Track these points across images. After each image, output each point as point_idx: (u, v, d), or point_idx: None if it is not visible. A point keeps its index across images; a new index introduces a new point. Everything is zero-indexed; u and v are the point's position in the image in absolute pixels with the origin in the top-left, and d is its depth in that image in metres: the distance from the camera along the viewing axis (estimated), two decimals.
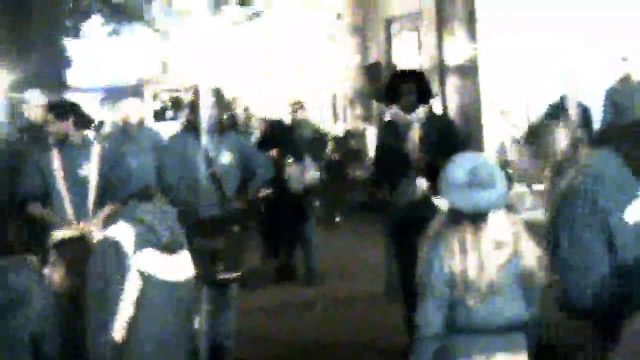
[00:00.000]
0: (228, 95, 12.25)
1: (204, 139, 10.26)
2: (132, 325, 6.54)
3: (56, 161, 9.59)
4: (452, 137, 9.25)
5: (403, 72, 11.42)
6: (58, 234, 8.03)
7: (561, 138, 6.40)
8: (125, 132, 10.21)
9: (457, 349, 5.87)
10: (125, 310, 6.50)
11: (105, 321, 6.48)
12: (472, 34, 18.79)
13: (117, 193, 7.45)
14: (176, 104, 10.93)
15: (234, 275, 9.95)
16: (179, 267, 6.77)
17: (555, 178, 6.27)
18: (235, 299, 10.08)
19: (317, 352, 10.43)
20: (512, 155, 11.54)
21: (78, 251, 7.32)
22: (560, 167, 6.30)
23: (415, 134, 9.63)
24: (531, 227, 6.08)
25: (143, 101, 8.95)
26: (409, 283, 6.83)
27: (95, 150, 9.39)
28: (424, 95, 9.93)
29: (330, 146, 16.24)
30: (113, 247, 6.59)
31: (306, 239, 13.54)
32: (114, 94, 9.62)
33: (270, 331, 10.95)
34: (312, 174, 12.95)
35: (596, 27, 18.66)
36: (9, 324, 6.53)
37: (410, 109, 9.71)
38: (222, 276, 9.73)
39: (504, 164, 6.22)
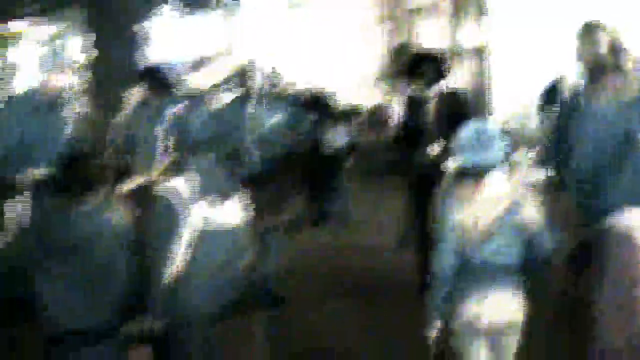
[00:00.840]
0: (279, 69, 12.32)
1: (258, 106, 10.25)
2: (188, 268, 6.51)
3: (135, 119, 9.75)
4: (463, 110, 9.13)
5: (422, 53, 11.39)
6: (129, 183, 7.91)
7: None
8: (192, 99, 10.19)
9: (463, 289, 5.94)
10: (182, 254, 6.46)
11: (164, 264, 6.46)
12: (483, 23, 19.08)
13: (180, 150, 7.35)
14: (236, 76, 10.89)
15: (281, 220, 10.03)
16: (230, 214, 6.74)
17: None
18: (280, 241, 10.06)
19: (350, 290, 10.45)
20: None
21: (144, 199, 7.21)
22: None
23: (432, 107, 9.64)
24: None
25: (209, 73, 8.97)
26: (423, 231, 6.86)
27: (167, 112, 9.41)
28: (440, 73, 9.95)
29: (361, 117, 16.26)
30: (172, 197, 6.60)
31: (340, 191, 13.58)
32: (184, 68, 9.76)
33: (310, 269, 10.89)
34: (345, 137, 12.92)
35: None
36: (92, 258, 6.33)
37: (428, 85, 9.75)
38: (269, 223, 9.65)
39: (506, 132, 6.26)
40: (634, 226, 5.91)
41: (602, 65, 6.59)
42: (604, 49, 6.64)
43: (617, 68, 6.50)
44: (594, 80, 6.72)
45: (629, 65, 6.45)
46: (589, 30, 6.76)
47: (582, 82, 6.98)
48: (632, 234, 5.91)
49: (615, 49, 6.62)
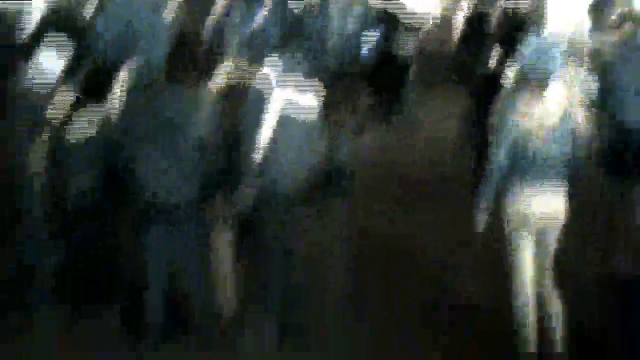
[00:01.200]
0: None
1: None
2: (273, 143, 6.56)
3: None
4: (523, 24, 8.77)
5: None
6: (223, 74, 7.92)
7: None
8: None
9: (515, 186, 5.97)
10: (267, 131, 6.49)
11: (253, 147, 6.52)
12: None
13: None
14: None
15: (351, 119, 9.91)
16: (308, 107, 6.74)
17: None
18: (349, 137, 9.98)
19: (409, 184, 10.36)
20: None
21: (234, 90, 7.24)
22: None
23: (493, 20, 9.59)
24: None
25: None
26: (482, 136, 6.84)
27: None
28: None
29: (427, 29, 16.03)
30: (261, 86, 6.67)
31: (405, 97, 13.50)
32: None
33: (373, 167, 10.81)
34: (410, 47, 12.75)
35: None
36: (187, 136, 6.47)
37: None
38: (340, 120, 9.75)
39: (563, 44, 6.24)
40: None
41: None
42: None
43: None
44: None
45: None
46: None
47: None
48: None
49: None
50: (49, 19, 7.85)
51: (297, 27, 8.28)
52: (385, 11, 13.39)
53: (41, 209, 6.89)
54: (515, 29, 8.28)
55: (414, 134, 12.87)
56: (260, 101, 6.57)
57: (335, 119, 9.24)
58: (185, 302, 6.62)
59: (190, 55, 6.70)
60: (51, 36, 7.28)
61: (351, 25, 10.57)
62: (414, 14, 14.15)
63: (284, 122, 6.54)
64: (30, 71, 7.07)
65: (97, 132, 6.71)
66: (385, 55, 12.75)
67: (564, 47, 6.14)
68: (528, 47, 5.93)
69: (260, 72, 6.78)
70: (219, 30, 9.62)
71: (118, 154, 6.64)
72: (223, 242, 6.79)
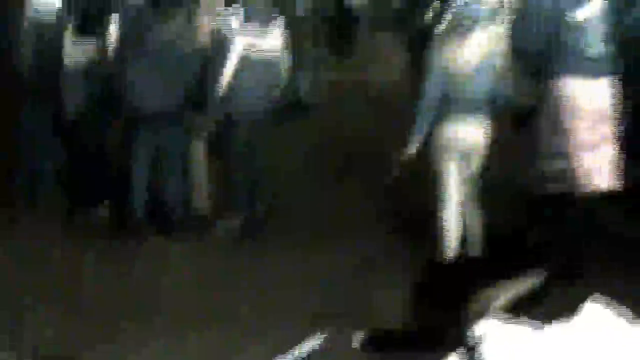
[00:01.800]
0: None
1: None
2: (236, 80, 6.61)
3: None
4: None
5: None
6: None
7: None
8: None
9: (445, 118, 5.96)
10: (231, 70, 6.56)
11: (219, 76, 6.59)
12: None
13: None
14: None
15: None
16: (271, 42, 6.79)
17: None
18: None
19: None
20: None
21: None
22: None
23: None
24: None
25: None
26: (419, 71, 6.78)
27: None
28: None
29: None
30: (224, 27, 6.72)
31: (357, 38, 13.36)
32: None
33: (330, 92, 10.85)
34: None
35: None
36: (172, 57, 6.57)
37: None
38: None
39: None
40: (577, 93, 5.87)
41: None
42: None
43: None
44: None
45: None
46: None
47: None
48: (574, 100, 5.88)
49: None
50: None
51: None
52: None
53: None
54: None
55: (363, 71, 12.89)
56: (228, 36, 6.64)
57: (296, 53, 9.31)
58: (166, 200, 6.73)
59: None
60: None
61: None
62: None
63: (247, 55, 6.63)
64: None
65: (91, 58, 6.77)
66: (341, 7, 12.78)
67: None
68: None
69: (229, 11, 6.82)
70: None
71: (110, 70, 6.72)
72: (198, 152, 6.91)
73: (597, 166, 5.94)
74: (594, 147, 5.92)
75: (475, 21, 5.90)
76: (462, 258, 6.02)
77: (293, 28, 9.27)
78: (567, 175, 5.95)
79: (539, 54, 6.00)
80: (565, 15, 5.87)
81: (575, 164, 5.92)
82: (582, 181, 5.92)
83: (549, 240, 5.99)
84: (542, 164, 6.07)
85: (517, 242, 6.06)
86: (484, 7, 5.92)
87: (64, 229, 6.66)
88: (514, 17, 6.01)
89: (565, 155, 5.94)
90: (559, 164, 5.98)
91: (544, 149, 6.06)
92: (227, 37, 6.63)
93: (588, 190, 5.92)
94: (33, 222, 6.68)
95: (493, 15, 6.02)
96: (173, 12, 6.64)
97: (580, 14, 5.86)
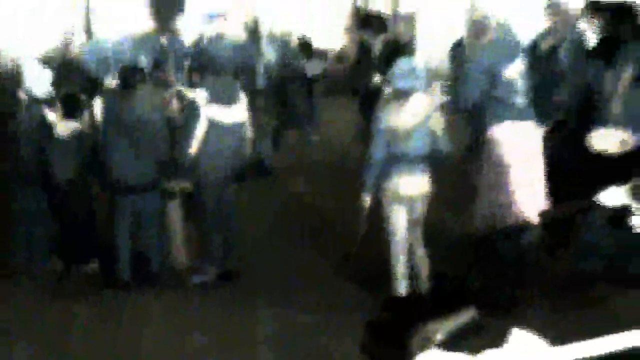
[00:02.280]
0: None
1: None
2: (204, 146, 6.67)
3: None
4: (398, 52, 8.86)
5: (372, 13, 11.43)
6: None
7: None
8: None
9: (390, 172, 6.00)
10: (199, 138, 6.63)
11: (189, 144, 6.66)
12: None
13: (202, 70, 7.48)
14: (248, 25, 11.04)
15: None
16: (236, 114, 6.86)
17: None
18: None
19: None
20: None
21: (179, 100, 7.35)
22: None
23: (377, 49, 9.63)
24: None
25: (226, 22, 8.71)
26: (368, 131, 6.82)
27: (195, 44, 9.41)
28: (384, 28, 10.02)
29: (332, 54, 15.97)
30: (195, 101, 6.78)
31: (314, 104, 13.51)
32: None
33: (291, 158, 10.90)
34: (320, 68, 12.81)
35: None
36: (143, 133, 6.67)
37: (375, 35, 9.78)
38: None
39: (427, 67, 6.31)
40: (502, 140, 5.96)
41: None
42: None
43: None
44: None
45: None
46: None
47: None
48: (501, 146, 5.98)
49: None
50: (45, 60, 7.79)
51: (235, 54, 8.23)
52: (303, 43, 13.60)
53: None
54: (393, 55, 8.33)
55: (319, 132, 13.06)
56: (196, 111, 6.74)
57: (258, 124, 9.39)
58: (147, 257, 6.80)
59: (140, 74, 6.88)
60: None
61: (274, 53, 10.74)
62: (320, 47, 14.32)
63: (214, 125, 6.72)
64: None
65: (76, 134, 6.85)
66: (300, 75, 12.94)
67: (425, 69, 6.17)
68: (400, 67, 6.02)
69: (197, 91, 6.92)
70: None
71: (93, 147, 6.88)
72: (173, 213, 6.97)
73: (529, 201, 6.04)
74: (525, 184, 6.03)
75: (411, 90, 6.00)
76: (411, 294, 6.00)
77: (254, 98, 9.45)
78: (503, 212, 6.03)
79: (475, 108, 6.17)
80: (495, 74, 6.04)
81: (510, 201, 6.02)
82: (516, 215, 6.02)
83: (484, 277, 6.08)
84: (480, 204, 6.19)
85: (457, 279, 6.14)
86: (418, 79, 6.02)
87: (58, 284, 6.76)
88: (451, 81, 6.23)
89: (500, 193, 6.04)
90: (495, 202, 6.06)
91: (482, 191, 6.18)
92: (195, 110, 6.74)
93: (520, 223, 6.03)
94: (31, 279, 6.79)
95: (426, 84, 6.15)
96: (140, 89, 6.77)
97: (507, 72, 6.03)
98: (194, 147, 6.67)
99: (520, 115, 6.08)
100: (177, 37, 9.75)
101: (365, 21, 10.20)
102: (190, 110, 6.80)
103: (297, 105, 13.77)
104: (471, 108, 6.24)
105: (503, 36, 6.20)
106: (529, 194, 6.03)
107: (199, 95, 6.80)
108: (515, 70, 6.09)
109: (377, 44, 9.62)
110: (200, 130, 6.68)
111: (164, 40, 9.69)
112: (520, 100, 6.09)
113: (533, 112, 6.19)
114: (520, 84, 6.10)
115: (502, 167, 6.00)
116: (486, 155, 6.14)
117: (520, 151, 6.03)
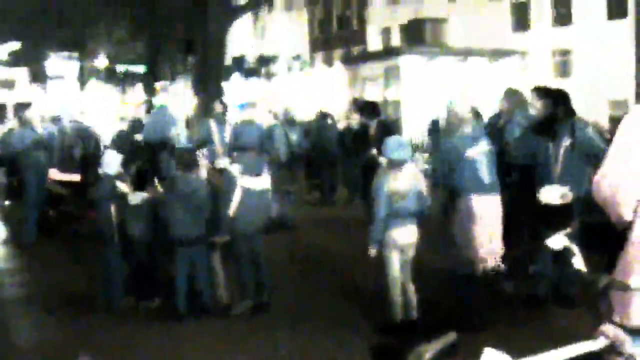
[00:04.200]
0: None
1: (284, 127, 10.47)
2: (238, 208, 6.62)
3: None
4: (389, 131, 8.76)
5: (368, 101, 11.40)
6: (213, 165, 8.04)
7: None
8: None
9: (389, 225, 5.96)
10: (236, 202, 6.60)
11: (228, 206, 6.64)
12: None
13: (234, 148, 7.50)
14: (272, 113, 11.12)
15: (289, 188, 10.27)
16: (262, 183, 6.81)
17: None
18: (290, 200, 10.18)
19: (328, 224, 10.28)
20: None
21: (219, 173, 7.38)
22: None
23: (372, 129, 9.53)
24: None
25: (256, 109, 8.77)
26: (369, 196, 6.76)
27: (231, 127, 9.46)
28: (377, 112, 9.91)
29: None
30: (231, 173, 6.79)
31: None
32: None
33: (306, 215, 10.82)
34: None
35: None
36: (194, 199, 6.64)
37: (370, 117, 9.71)
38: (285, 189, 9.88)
39: (413, 142, 6.35)
40: (474, 206, 5.97)
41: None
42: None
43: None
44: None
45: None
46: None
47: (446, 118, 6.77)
48: (473, 210, 5.97)
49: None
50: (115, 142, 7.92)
51: (259, 136, 8.23)
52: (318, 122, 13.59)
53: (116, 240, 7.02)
54: (386, 133, 8.22)
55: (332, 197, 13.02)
56: (233, 180, 6.72)
57: (282, 190, 9.41)
58: (200, 293, 6.74)
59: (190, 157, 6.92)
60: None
61: (294, 135, 10.78)
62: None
63: (246, 191, 6.68)
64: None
65: (144, 201, 6.88)
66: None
67: (413, 143, 6.22)
68: (391, 143, 6.05)
69: (232, 166, 6.94)
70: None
71: (158, 211, 6.88)
72: (217, 259, 6.95)
73: (489, 252, 6.05)
74: (487, 241, 6.04)
75: (402, 162, 5.98)
76: (404, 321, 5.95)
77: (278, 170, 9.47)
78: (471, 260, 6.03)
79: (449, 180, 6.15)
80: (461, 154, 6.04)
81: (476, 252, 6.02)
82: (480, 263, 6.02)
83: (460, 306, 6.00)
84: (455, 253, 6.14)
85: (440, 309, 6.09)
86: (405, 155, 6.00)
87: (131, 317, 6.76)
88: (430, 158, 6.22)
89: (469, 246, 6.03)
90: (465, 253, 6.04)
91: (456, 243, 6.13)
92: (232, 180, 6.71)
93: (483, 268, 6.03)
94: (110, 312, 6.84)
95: (413, 158, 6.15)
96: (194, 171, 6.79)
97: (471, 152, 6.02)
98: (231, 209, 6.64)
99: (485, 189, 6.01)
100: (222, 122, 9.92)
101: (363, 108, 10.25)
102: (228, 181, 6.76)
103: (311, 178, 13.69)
104: (446, 174, 6.21)
105: (474, 123, 6.18)
106: (491, 241, 6.01)
107: (235, 169, 6.78)
108: (478, 150, 6.03)
109: (374, 122, 9.56)
110: (236, 196, 6.64)
111: (213, 124, 9.87)
112: (484, 176, 6.00)
113: (496, 186, 6.10)
114: (484, 162, 6.03)
115: (471, 226, 5.95)
116: (452, 216, 6.13)
117: (485, 216, 5.99)
